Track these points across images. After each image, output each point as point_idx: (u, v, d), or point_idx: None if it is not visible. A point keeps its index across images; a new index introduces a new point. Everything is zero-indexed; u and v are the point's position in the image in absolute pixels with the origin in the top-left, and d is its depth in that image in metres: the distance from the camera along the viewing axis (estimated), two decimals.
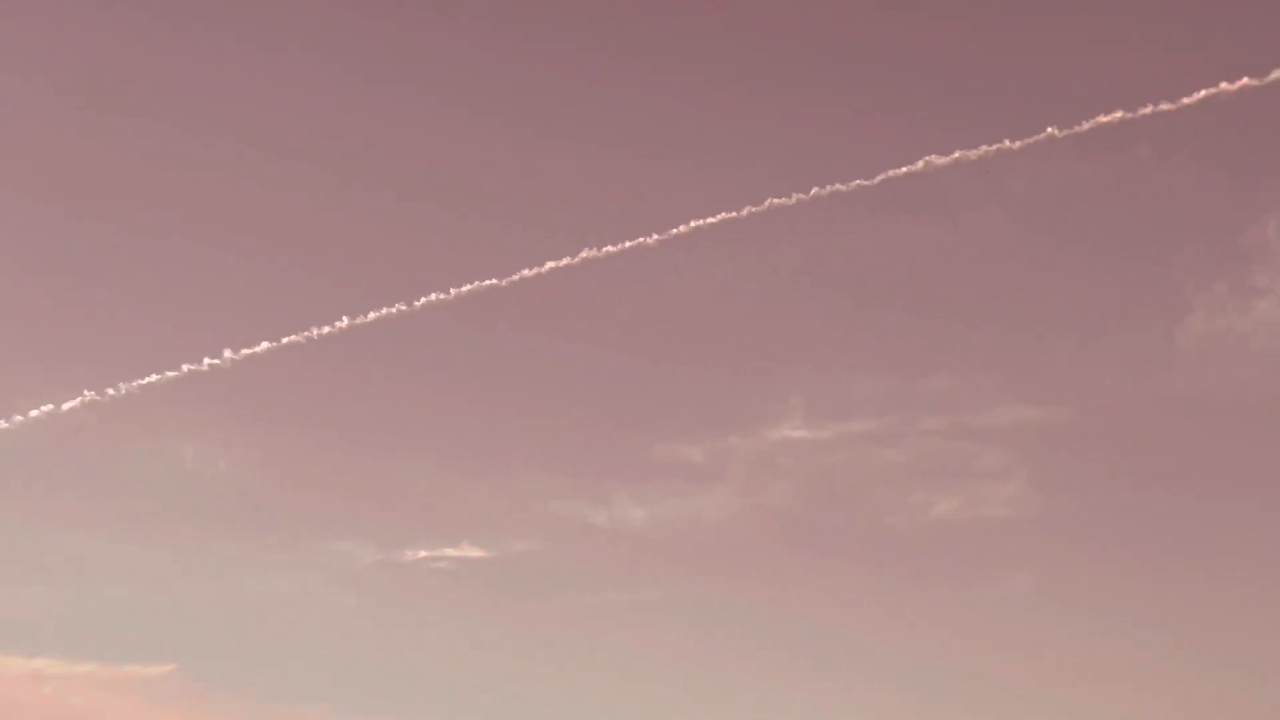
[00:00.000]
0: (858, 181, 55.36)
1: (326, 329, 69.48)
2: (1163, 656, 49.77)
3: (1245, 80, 47.94)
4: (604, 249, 61.92)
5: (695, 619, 59.89)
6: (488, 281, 66.03)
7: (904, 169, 54.21)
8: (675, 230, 59.80)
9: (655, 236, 60.49)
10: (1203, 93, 48.43)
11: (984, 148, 52.58)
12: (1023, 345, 54.03)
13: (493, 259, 62.18)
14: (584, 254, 62.83)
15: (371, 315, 68.96)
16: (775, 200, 56.71)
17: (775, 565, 59.12)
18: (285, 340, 66.60)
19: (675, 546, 60.51)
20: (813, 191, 56.14)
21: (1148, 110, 49.69)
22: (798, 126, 59.61)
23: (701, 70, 61.46)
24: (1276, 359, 48.58)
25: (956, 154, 53.16)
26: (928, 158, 53.62)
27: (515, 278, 65.79)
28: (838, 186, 55.92)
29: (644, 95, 63.39)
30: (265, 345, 65.98)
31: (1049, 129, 51.10)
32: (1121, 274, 52.03)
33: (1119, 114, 50.28)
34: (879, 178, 54.84)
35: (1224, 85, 48.33)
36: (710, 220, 58.54)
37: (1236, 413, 49.52)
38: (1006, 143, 51.96)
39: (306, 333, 66.65)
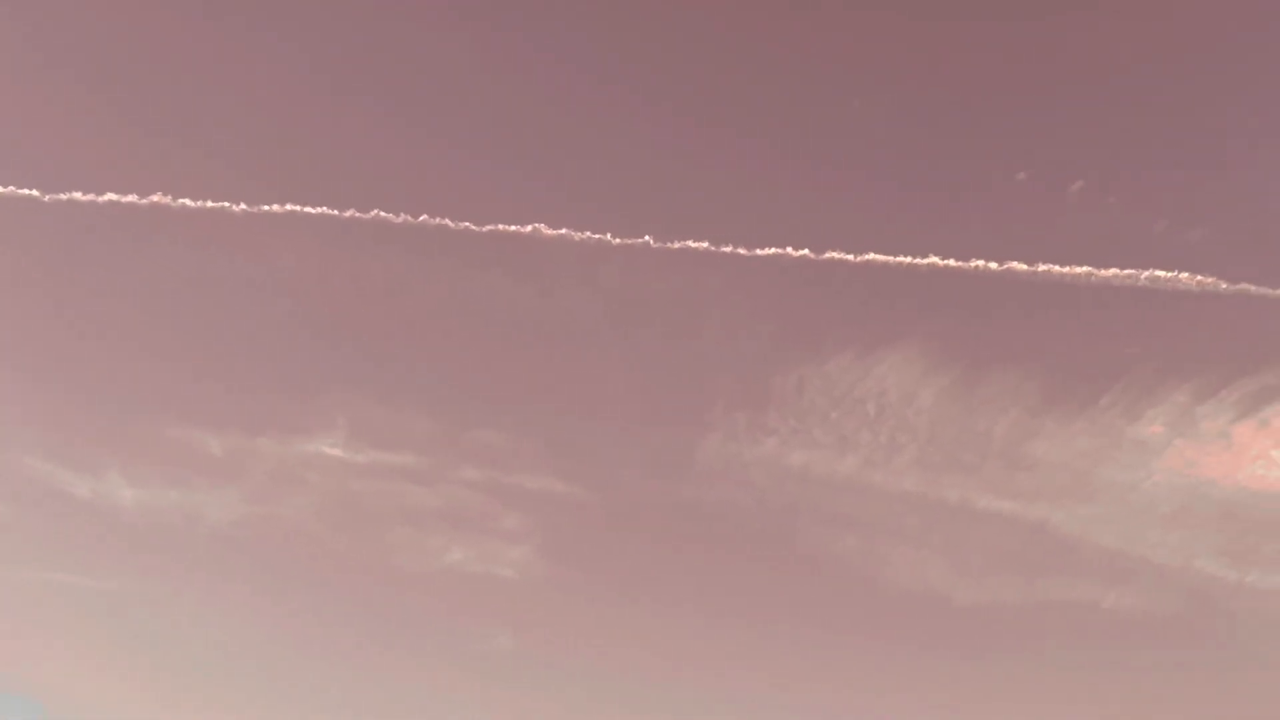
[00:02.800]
0: (467, 224, 57.86)
1: None
2: None
3: (806, 251, 57.25)
4: (180, 200, 58.73)
5: (154, 619, 55.40)
6: (26, 191, 59.82)
7: (513, 227, 57.65)
8: (268, 206, 58.38)
9: (243, 206, 58.56)
10: (772, 250, 57.07)
11: (588, 234, 57.51)
12: (570, 422, 58.14)
13: (44, 173, 56.25)
14: (155, 197, 59.11)
15: None
16: (382, 213, 57.57)
17: (266, 579, 56.58)
18: None
19: (160, 538, 56.02)
20: (421, 217, 57.73)
21: (728, 249, 57.42)
22: (439, 155, 60.83)
23: (381, 80, 61.16)
24: (768, 490, 56.86)
25: (564, 230, 57.62)
26: (537, 225, 57.54)
27: (62, 197, 60.13)
28: (445, 221, 58.00)
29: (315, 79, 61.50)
30: None
31: (646, 237, 57.21)
32: (667, 382, 58.28)
33: (705, 244, 57.57)
34: (487, 227, 57.75)
35: (789, 249, 57.37)
36: (309, 209, 57.92)
37: (728, 527, 56.85)
38: (609, 236, 57.26)
39: None
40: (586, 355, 58.47)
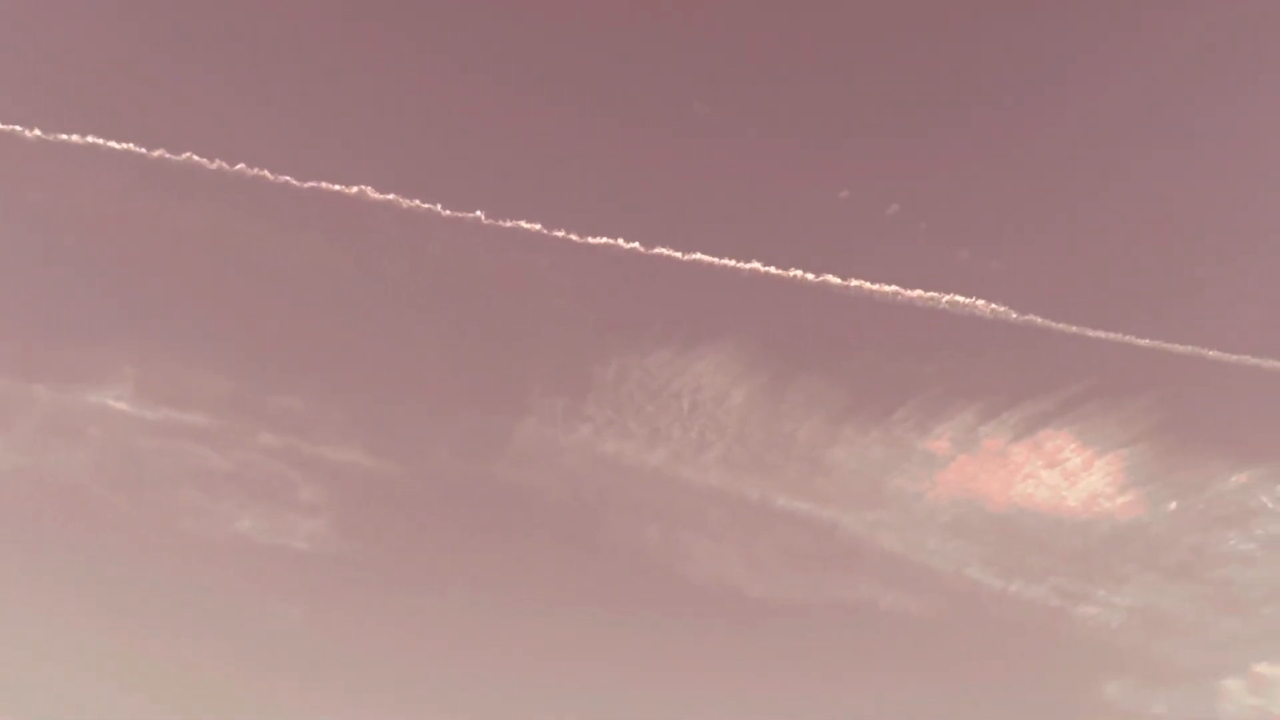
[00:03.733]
0: (287, 178, 55.13)
1: None
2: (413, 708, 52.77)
3: (636, 245, 57.79)
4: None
5: None
6: None
7: (337, 186, 55.32)
8: (67, 136, 53.71)
9: (38, 132, 53.68)
10: (603, 239, 57.20)
11: (417, 202, 55.89)
12: (381, 395, 56.02)
13: None
14: None
15: None
16: (195, 156, 54.05)
17: (34, 538, 51.46)
18: None
19: None
20: (238, 165, 54.61)
21: (560, 234, 57.13)
22: (263, 101, 57.02)
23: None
24: (579, 477, 56.81)
25: (392, 196, 55.77)
26: (363, 186, 55.45)
27: None
28: (264, 172, 55.12)
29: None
30: None
31: (478, 212, 56.17)
32: (486, 362, 57.08)
33: (537, 226, 57.06)
34: (309, 184, 55.20)
35: (620, 241, 57.73)
36: (113, 144, 53.68)
37: (537, 511, 56.40)
38: (439, 207, 55.84)
39: None
40: (404, 327, 56.65)
